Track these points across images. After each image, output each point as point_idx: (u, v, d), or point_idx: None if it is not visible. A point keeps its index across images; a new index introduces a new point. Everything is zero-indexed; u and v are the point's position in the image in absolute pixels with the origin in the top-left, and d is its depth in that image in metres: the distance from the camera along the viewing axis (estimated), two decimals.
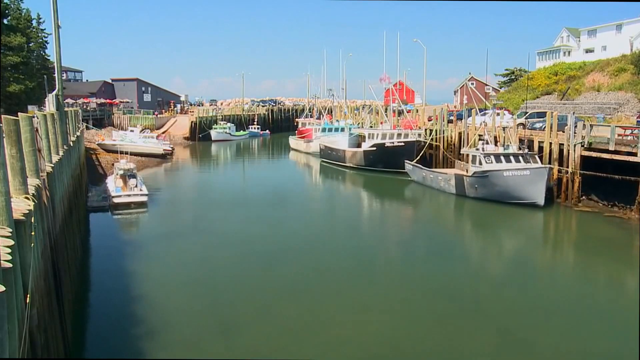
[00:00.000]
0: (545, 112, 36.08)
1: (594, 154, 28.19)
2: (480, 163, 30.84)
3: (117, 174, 30.86)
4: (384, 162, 42.71)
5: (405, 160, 40.34)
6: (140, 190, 29.58)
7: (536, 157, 30.56)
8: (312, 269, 19.22)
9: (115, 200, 28.25)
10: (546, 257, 22.62)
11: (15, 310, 5.85)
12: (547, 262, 21.61)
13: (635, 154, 25.55)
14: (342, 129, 54.99)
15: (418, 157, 40.79)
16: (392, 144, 42.61)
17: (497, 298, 16.38)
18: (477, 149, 32.00)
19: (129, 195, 28.75)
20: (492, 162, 30.38)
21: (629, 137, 28.12)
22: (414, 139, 42.28)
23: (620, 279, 18.95)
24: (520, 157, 30.15)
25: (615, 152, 26.77)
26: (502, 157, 30.35)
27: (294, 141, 65.58)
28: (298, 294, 16.72)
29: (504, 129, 32.83)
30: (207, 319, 15.93)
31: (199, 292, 18.49)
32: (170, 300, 17.47)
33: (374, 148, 43.65)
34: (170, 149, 55.03)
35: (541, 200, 28.46)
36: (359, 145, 48.51)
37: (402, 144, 42.21)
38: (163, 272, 20.46)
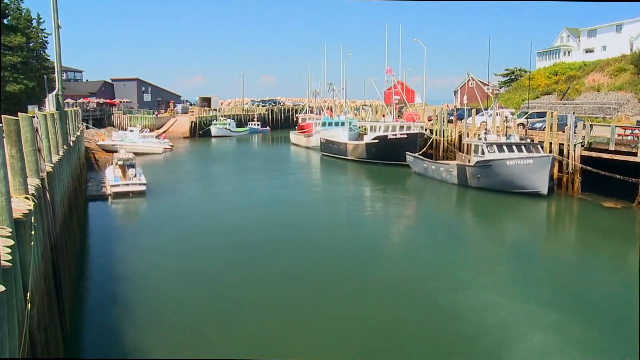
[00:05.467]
0: (545, 112, 36.07)
1: (594, 154, 28.20)
2: (483, 152, 30.47)
3: (116, 164, 31.12)
4: (387, 154, 42.38)
5: (407, 152, 40.13)
6: (139, 180, 29.88)
7: (539, 147, 30.31)
8: (310, 259, 19.18)
9: (114, 189, 28.55)
10: (551, 246, 22.37)
11: (15, 310, 5.84)
12: (552, 252, 21.28)
13: (635, 154, 25.58)
14: (342, 124, 54.85)
15: (422, 151, 40.67)
16: (394, 136, 42.34)
17: (499, 287, 16.27)
18: (480, 139, 31.79)
19: (127, 185, 29.01)
20: (494, 152, 30.02)
21: (629, 137, 28.15)
22: (417, 131, 42.07)
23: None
24: (523, 147, 29.86)
25: (616, 152, 26.79)
26: (504, 147, 30.04)
27: (294, 136, 65.72)
28: (296, 284, 16.69)
29: (506, 117, 32.65)
30: (206, 313, 15.93)
31: (197, 285, 18.47)
32: (171, 297, 17.46)
33: (376, 140, 43.32)
34: (170, 147, 55.96)
35: (545, 189, 28.13)
36: (360, 139, 48.45)
37: (405, 136, 41.89)
38: (164, 269, 20.45)
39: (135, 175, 30.12)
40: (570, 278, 17.59)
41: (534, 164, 28.25)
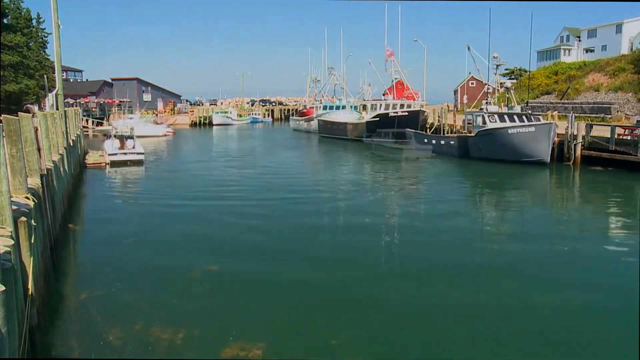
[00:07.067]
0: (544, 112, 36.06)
1: (594, 154, 28.21)
2: (484, 122, 30.22)
3: (114, 136, 32.07)
4: None
5: (406, 129, 40.04)
6: (137, 150, 30.82)
7: (540, 118, 30.17)
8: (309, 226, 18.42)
9: (112, 158, 29.36)
10: (562, 212, 21.36)
11: (15, 310, 5.83)
12: (563, 219, 20.30)
13: (635, 154, 25.60)
14: (343, 107, 54.49)
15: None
16: (395, 114, 42.01)
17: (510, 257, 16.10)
18: (481, 109, 31.59)
19: (125, 154, 30.03)
20: (496, 121, 29.76)
21: (629, 137, 28.16)
22: (418, 109, 41.90)
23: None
24: (524, 117, 29.60)
25: (616, 151, 26.79)
26: (506, 117, 29.75)
27: (294, 122, 65.41)
28: (300, 261, 16.52)
29: (507, 89, 32.43)
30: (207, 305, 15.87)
31: (197, 278, 18.38)
32: (170, 296, 17.40)
33: (377, 118, 42.92)
34: (172, 132, 58.49)
35: (547, 158, 27.90)
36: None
37: (406, 113, 41.63)
38: (165, 265, 20.36)
39: (133, 147, 30.92)
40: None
41: (536, 132, 27.84)
